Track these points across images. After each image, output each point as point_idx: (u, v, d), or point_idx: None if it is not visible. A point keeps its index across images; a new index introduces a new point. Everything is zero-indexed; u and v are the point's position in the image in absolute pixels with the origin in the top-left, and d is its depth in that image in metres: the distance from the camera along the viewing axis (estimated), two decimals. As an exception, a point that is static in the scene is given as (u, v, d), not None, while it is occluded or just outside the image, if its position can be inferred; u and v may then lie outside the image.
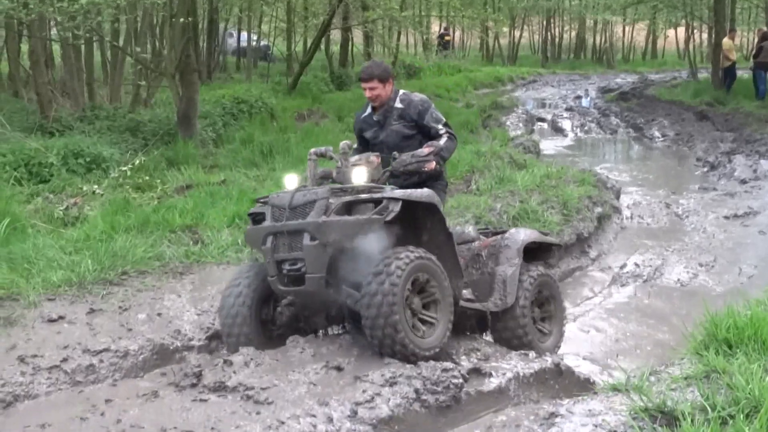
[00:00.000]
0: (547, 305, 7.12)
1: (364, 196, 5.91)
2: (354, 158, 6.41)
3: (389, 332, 5.55)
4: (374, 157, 6.43)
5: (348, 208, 5.87)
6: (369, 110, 6.92)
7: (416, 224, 6.24)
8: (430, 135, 6.61)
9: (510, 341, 6.70)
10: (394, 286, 5.50)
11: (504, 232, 7.27)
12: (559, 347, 7.05)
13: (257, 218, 6.32)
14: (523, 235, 7.09)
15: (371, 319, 5.57)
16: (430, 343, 5.79)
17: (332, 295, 5.95)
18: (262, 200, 6.47)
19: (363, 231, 5.75)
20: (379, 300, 5.53)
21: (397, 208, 5.74)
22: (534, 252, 7.26)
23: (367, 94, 6.73)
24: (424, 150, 6.35)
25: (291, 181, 6.29)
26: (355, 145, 7.05)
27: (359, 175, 6.13)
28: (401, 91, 6.86)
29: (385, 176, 6.41)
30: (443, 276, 5.94)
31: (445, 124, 6.66)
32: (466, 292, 6.65)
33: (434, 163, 6.35)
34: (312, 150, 6.55)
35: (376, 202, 5.85)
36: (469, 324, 6.91)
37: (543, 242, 7.32)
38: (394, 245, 5.86)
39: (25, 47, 17.53)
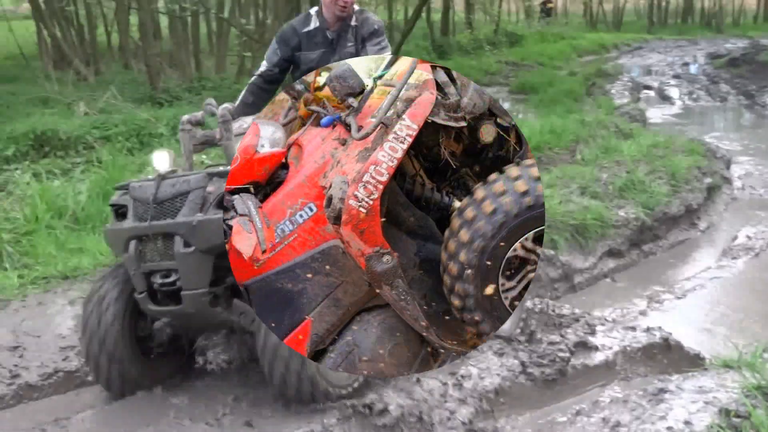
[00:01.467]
0: None
1: None
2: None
3: (306, 388, 4.35)
4: None
5: None
6: (315, 23, 5.45)
7: None
8: None
9: None
10: None
11: None
12: None
13: (120, 211, 4.68)
14: None
15: (279, 375, 4.33)
16: (347, 378, 4.54)
17: (220, 314, 4.50)
18: (122, 187, 4.77)
19: None
20: (286, 354, 4.25)
21: None
22: None
23: (342, 2, 5.32)
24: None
25: (161, 160, 4.62)
26: (261, 69, 5.54)
27: None
28: (356, 7, 5.49)
29: None
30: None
31: None
32: None
33: None
34: (184, 117, 4.97)
35: None
36: None
37: None
38: None
39: (134, 20, 17.99)
